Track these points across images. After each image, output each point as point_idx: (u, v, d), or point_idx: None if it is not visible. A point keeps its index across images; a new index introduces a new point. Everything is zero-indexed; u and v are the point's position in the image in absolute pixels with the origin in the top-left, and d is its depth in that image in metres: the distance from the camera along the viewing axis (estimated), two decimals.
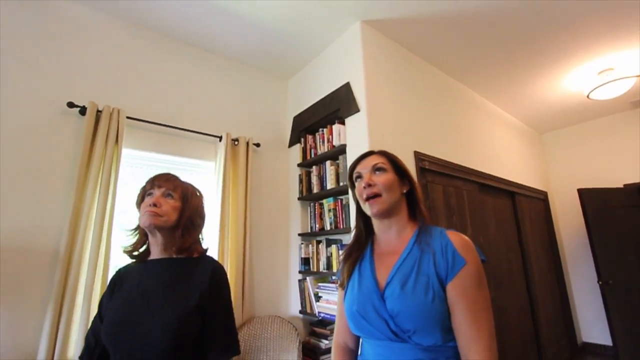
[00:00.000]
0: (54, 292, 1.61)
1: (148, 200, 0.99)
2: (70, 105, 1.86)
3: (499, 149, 3.49)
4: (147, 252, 1.05)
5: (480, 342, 0.75)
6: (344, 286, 0.98)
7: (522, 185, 3.66)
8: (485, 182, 3.02)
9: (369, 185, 0.92)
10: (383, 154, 1.00)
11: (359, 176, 0.98)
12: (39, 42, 1.88)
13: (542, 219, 4.03)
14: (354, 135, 2.13)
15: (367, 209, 0.93)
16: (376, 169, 0.95)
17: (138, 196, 1.05)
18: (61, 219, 1.73)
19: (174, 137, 2.24)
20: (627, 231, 3.47)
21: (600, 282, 3.36)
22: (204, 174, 2.42)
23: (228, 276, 2.11)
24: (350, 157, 2.13)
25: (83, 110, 1.88)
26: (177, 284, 0.96)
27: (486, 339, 0.75)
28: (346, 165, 2.16)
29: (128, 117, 2.01)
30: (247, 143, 2.48)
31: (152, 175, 1.08)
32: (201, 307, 0.93)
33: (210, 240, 2.18)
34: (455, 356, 0.78)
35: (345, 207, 2.16)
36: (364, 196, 0.92)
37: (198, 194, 1.11)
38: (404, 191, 0.96)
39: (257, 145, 2.58)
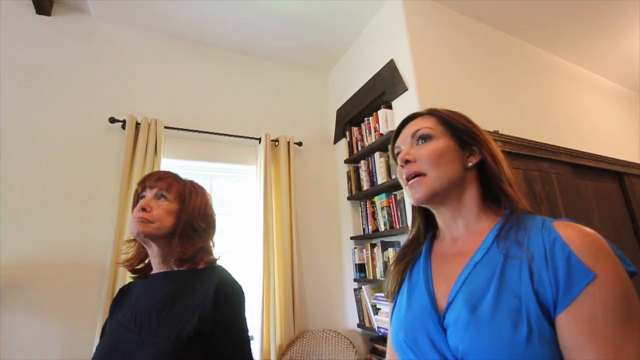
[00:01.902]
0: (102, 306, 1.59)
1: (138, 204, 0.84)
2: (112, 120, 1.88)
3: (595, 120, 2.82)
4: (150, 265, 0.90)
5: None
6: (392, 298, 0.70)
7: (632, 163, 2.90)
8: (580, 163, 2.42)
9: (406, 161, 0.63)
10: (432, 113, 0.68)
11: (400, 152, 0.68)
12: (81, 63, 1.95)
13: None
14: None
15: (409, 194, 0.65)
16: (419, 137, 0.64)
17: (133, 201, 0.91)
18: (107, 233, 1.73)
19: (212, 143, 2.17)
20: None
21: None
22: (246, 179, 2.31)
23: (276, 287, 1.96)
24: None
25: (124, 124, 1.90)
26: (174, 304, 0.78)
27: None
28: None
29: (166, 127, 1.98)
30: (288, 143, 2.31)
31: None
32: (203, 332, 0.74)
33: (255, 250, 2.04)
34: None
35: (400, 203, 1.85)
36: (404, 178, 0.64)
37: (200, 192, 0.92)
38: (471, 164, 0.63)
39: (299, 144, 2.40)
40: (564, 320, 0.46)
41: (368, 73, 2.17)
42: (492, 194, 0.63)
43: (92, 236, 1.74)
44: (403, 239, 1.93)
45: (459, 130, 0.64)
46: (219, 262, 0.95)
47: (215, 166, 2.21)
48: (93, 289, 1.66)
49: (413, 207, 0.73)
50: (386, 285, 0.72)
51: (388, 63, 1.97)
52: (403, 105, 1.83)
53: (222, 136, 2.16)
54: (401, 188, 1.83)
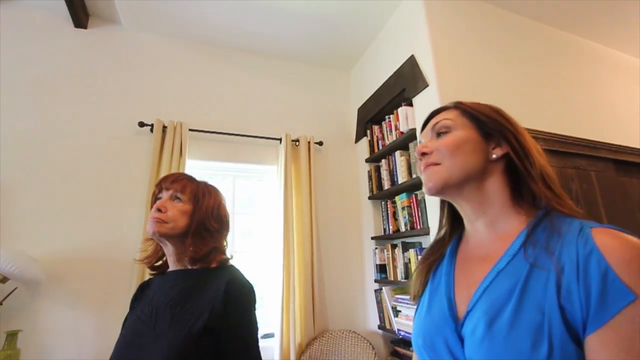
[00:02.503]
0: (130, 300, 1.69)
1: (155, 205, 0.88)
2: (141, 124, 1.99)
3: (632, 109, 2.56)
4: (167, 263, 0.94)
5: None
6: (417, 300, 0.68)
7: None
8: (624, 159, 2.22)
9: (422, 154, 0.61)
10: (457, 106, 0.64)
11: None
12: (113, 71, 2.08)
13: None
14: (424, 116, 1.75)
15: (423, 185, 0.62)
16: (438, 129, 0.62)
17: (150, 202, 0.95)
18: (137, 230, 1.83)
19: (234, 144, 2.23)
20: None
21: None
22: (268, 179, 2.35)
23: (296, 286, 1.98)
24: None
25: (152, 128, 2.00)
26: (187, 301, 0.81)
27: None
28: None
29: (190, 130, 2.06)
30: (309, 143, 2.32)
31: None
32: (212, 329, 0.76)
33: (275, 249, 2.07)
34: None
35: (421, 203, 1.80)
36: (421, 169, 0.62)
37: (213, 193, 0.95)
38: (495, 156, 0.58)
39: (320, 143, 2.41)
40: (593, 343, 0.41)
41: (389, 70, 2.13)
42: (527, 192, 0.57)
43: (124, 234, 1.84)
44: (424, 240, 1.88)
45: (482, 121, 0.60)
46: (232, 262, 0.98)
47: (238, 166, 2.27)
48: (124, 283, 1.77)
49: (440, 205, 0.71)
50: (411, 287, 0.70)
51: (408, 59, 1.92)
52: (423, 102, 1.78)
53: (243, 137, 2.21)
54: (422, 188, 1.77)
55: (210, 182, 1.02)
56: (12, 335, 1.48)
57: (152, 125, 2.00)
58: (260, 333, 2.06)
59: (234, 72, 2.38)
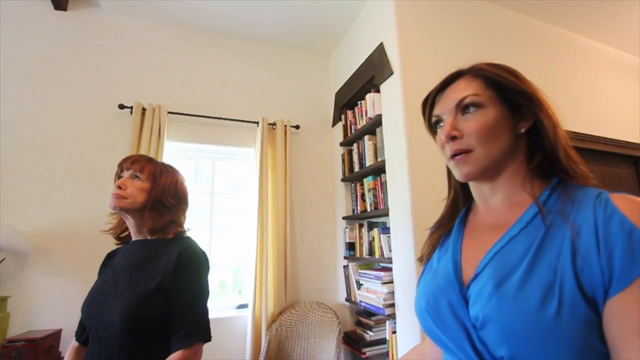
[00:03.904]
0: None
1: (115, 183, 1.00)
2: (121, 106, 2.08)
3: (615, 102, 2.65)
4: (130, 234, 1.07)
5: None
6: (423, 263, 0.69)
7: None
8: (587, 147, 2.33)
9: (452, 138, 0.57)
10: (477, 73, 0.59)
11: (439, 120, 0.62)
12: (93, 54, 2.14)
13: None
14: (389, 103, 1.85)
15: (454, 170, 0.60)
16: (464, 106, 0.57)
17: (114, 180, 1.07)
18: None
19: (214, 127, 2.32)
20: None
21: None
22: (246, 161, 2.45)
23: (269, 261, 2.13)
24: (387, 128, 1.86)
25: (132, 110, 2.08)
26: (144, 265, 0.94)
27: None
28: (383, 139, 1.90)
29: (169, 112, 2.15)
30: (285, 126, 2.41)
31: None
32: (164, 289, 0.89)
33: (249, 226, 2.21)
34: None
35: (384, 186, 1.91)
36: (448, 154, 0.59)
37: (170, 173, 1.07)
38: (523, 129, 0.57)
39: (296, 127, 2.50)
40: (619, 304, 0.40)
41: (362, 56, 2.19)
42: (545, 162, 0.55)
43: (105, 210, 1.95)
44: (387, 220, 2.00)
45: (510, 91, 0.56)
46: (189, 234, 1.10)
47: (217, 148, 2.37)
48: (105, 254, 1.90)
49: (449, 176, 0.70)
50: (422, 249, 0.71)
51: (378, 46, 1.98)
52: (389, 90, 1.86)
53: (222, 120, 2.30)
54: (385, 171, 1.88)
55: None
56: (2, 301, 1.62)
57: (131, 108, 2.08)
58: (236, 303, 2.22)
59: (213, 55, 2.44)
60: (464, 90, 0.58)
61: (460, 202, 0.68)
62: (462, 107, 0.58)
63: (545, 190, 0.53)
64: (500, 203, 0.58)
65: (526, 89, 0.57)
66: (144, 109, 2.09)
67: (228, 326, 2.07)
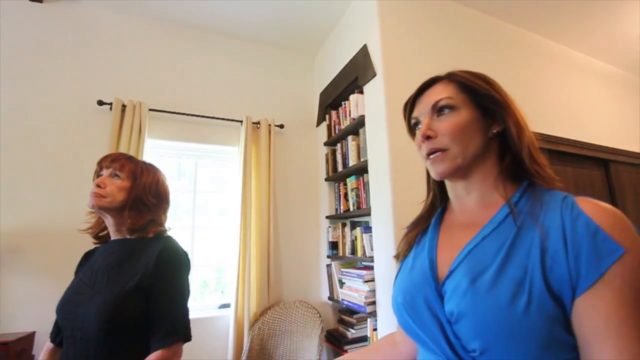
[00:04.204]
0: None
1: (94, 182, 0.98)
2: (100, 103, 2.02)
3: (586, 106, 2.77)
4: (109, 234, 1.05)
5: None
6: (399, 260, 0.72)
7: (620, 150, 2.87)
8: (560, 150, 2.43)
9: (427, 137, 0.60)
10: (452, 78, 0.63)
11: (417, 122, 0.66)
12: (71, 48, 2.07)
13: None
14: (372, 104, 1.88)
15: (430, 169, 0.63)
16: (439, 109, 0.61)
17: (93, 179, 1.05)
18: None
19: (196, 125, 2.29)
20: None
21: None
22: (230, 160, 2.44)
23: (252, 261, 2.12)
24: (370, 129, 1.89)
25: (111, 107, 2.03)
26: (123, 265, 0.93)
27: None
28: (366, 139, 1.93)
29: (150, 110, 2.11)
30: (269, 125, 2.41)
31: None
32: (143, 288, 0.88)
33: (232, 225, 2.20)
34: None
35: (367, 186, 1.94)
36: (424, 153, 0.62)
37: (151, 172, 1.06)
38: (494, 132, 0.60)
39: (281, 126, 2.50)
40: (587, 301, 0.43)
41: (347, 57, 2.21)
42: (515, 164, 0.59)
43: (82, 209, 1.91)
44: (370, 219, 2.03)
45: (481, 96, 0.60)
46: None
47: (200, 147, 2.34)
48: (82, 254, 1.85)
49: (428, 177, 0.72)
50: (398, 247, 0.74)
51: (362, 48, 2.01)
52: (372, 91, 1.89)
53: (205, 118, 2.28)
54: (368, 171, 1.91)
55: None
56: None
57: (111, 104, 2.03)
58: (218, 303, 2.21)
59: (196, 52, 2.41)
60: (439, 93, 0.62)
61: (437, 202, 0.71)
62: (437, 109, 0.61)
63: (516, 192, 0.56)
64: (474, 203, 0.61)
65: (495, 94, 0.60)
66: (124, 106, 2.05)
67: (210, 326, 2.05)
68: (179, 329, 0.90)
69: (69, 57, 2.06)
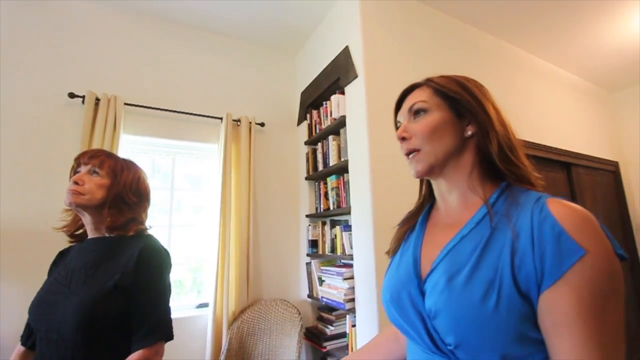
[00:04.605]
0: None
1: (72, 178, 0.95)
2: (72, 95, 1.93)
3: (552, 113, 2.95)
4: (86, 232, 1.02)
5: None
6: (390, 256, 0.75)
7: (581, 154, 3.08)
8: (526, 153, 2.57)
9: (403, 139, 0.65)
10: (428, 84, 0.67)
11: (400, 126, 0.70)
12: (40, 38, 1.97)
13: (611, 194, 3.37)
14: (353, 105, 1.91)
15: (410, 168, 0.67)
16: (415, 112, 0.65)
17: (69, 176, 1.01)
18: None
19: (175, 121, 2.24)
20: None
21: None
22: (209, 157, 2.40)
23: (231, 259, 2.11)
24: (350, 129, 1.93)
25: (84, 100, 1.95)
26: (101, 264, 0.91)
27: None
28: (347, 139, 1.96)
29: (126, 104, 2.04)
30: (250, 123, 2.39)
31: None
32: (123, 287, 0.87)
33: (210, 224, 2.17)
34: None
35: (347, 185, 1.98)
36: (403, 153, 0.67)
37: (132, 169, 1.03)
38: (470, 132, 0.62)
39: (261, 124, 2.49)
40: (549, 298, 0.46)
41: (328, 57, 2.23)
42: (491, 164, 0.61)
43: (52, 207, 1.82)
44: (349, 218, 2.07)
45: (452, 99, 0.63)
46: (150, 232, 1.07)
47: (178, 144, 2.29)
48: (52, 254, 1.77)
49: (420, 181, 0.76)
50: (390, 244, 0.76)
51: (344, 49, 2.04)
52: (353, 92, 1.92)
53: (184, 114, 2.23)
54: (348, 171, 1.95)
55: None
56: None
57: (83, 97, 1.95)
58: (195, 303, 2.17)
59: (175, 46, 2.35)
60: (415, 98, 0.67)
61: (426, 201, 0.74)
62: (413, 113, 0.66)
63: (494, 193, 0.59)
64: (456, 202, 0.64)
65: (465, 97, 0.63)
66: (97, 99, 1.97)
67: (187, 326, 2.02)
68: (161, 328, 0.89)
69: (38, 47, 1.95)
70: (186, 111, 2.23)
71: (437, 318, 0.53)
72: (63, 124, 1.93)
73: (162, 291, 0.94)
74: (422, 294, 0.57)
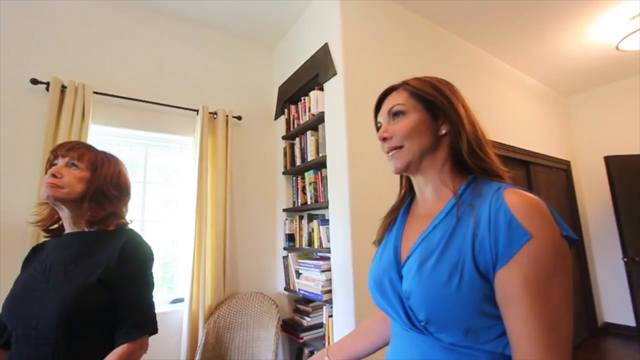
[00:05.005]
0: None
1: (49, 171, 0.91)
2: (34, 81, 1.81)
3: (513, 114, 3.16)
4: (63, 226, 0.99)
5: (546, 352, 0.49)
6: (377, 245, 0.81)
7: (538, 154, 3.33)
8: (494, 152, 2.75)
9: (384, 139, 0.71)
10: (405, 87, 0.72)
11: (381, 126, 0.76)
12: None
13: (562, 191, 3.68)
14: (332, 102, 1.95)
15: (390, 165, 0.72)
16: (394, 113, 0.71)
17: (45, 168, 0.97)
18: (29, 197, 1.72)
19: (149, 112, 2.16)
20: None
21: (625, 259, 3.05)
22: (184, 150, 2.35)
23: (207, 253, 2.09)
24: (329, 125, 1.97)
25: (48, 87, 1.83)
26: (82, 259, 0.89)
27: (557, 349, 0.49)
28: (325, 135, 2.00)
29: (95, 92, 1.94)
30: (227, 116, 2.36)
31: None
32: (106, 282, 0.86)
33: (187, 217, 2.14)
34: None
35: (325, 180, 2.02)
36: (384, 151, 0.72)
37: (112, 162, 1.01)
38: (444, 131, 0.68)
39: (239, 118, 2.47)
40: (501, 276, 0.53)
41: (307, 53, 2.25)
42: (460, 159, 0.67)
43: (14, 200, 1.72)
44: (326, 212, 2.12)
45: (426, 101, 0.69)
46: (131, 226, 1.06)
47: (151, 135, 2.21)
48: (16, 250, 1.67)
49: (400, 177, 0.82)
50: (377, 235, 0.83)
51: (323, 46, 2.06)
52: (332, 89, 1.96)
53: (157, 105, 2.16)
54: (326, 166, 1.99)
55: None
56: None
57: (47, 84, 1.83)
58: (169, 298, 2.14)
59: (150, 34, 2.26)
60: (393, 101, 0.72)
61: (406, 195, 0.81)
62: (392, 114, 0.72)
63: (463, 185, 0.65)
64: (432, 195, 0.70)
65: (438, 99, 0.69)
66: (64, 87, 1.86)
67: (162, 322, 1.96)
68: (146, 322, 0.89)
69: None
70: (160, 102, 2.16)
71: (411, 298, 0.60)
72: (25, 113, 1.81)
73: (146, 285, 0.94)
74: (401, 278, 0.64)
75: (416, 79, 0.73)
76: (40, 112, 1.83)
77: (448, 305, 0.55)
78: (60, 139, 1.78)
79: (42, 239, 1.63)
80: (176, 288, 2.20)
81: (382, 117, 0.74)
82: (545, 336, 0.49)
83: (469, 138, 0.66)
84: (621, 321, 3.57)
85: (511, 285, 0.51)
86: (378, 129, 0.78)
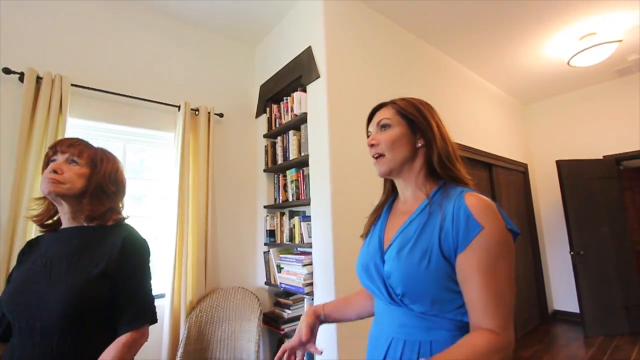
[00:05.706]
0: (0, 262, 1.57)
1: (49, 167, 0.93)
2: (7, 71, 1.75)
3: (477, 119, 3.41)
4: (60, 221, 1.00)
5: (494, 318, 0.64)
6: (364, 238, 0.95)
7: (500, 157, 3.62)
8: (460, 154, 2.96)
9: (372, 145, 0.86)
10: (393, 104, 0.87)
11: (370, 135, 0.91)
12: None
13: (520, 191, 4.02)
14: (315, 103, 2.04)
15: (375, 168, 0.87)
16: (381, 125, 0.86)
17: (43, 164, 0.98)
18: (3, 192, 1.66)
19: (129, 107, 2.13)
20: (602, 203, 3.47)
21: (572, 253, 3.40)
22: (165, 146, 2.34)
23: (189, 249, 2.11)
24: (311, 126, 2.05)
25: (22, 77, 1.77)
26: (83, 252, 0.92)
27: (502, 315, 0.64)
28: (307, 135, 2.09)
29: (73, 85, 1.90)
30: (209, 113, 2.38)
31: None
32: (108, 274, 0.89)
33: (170, 214, 2.14)
34: (456, 329, 0.70)
35: (307, 178, 2.11)
36: (371, 156, 0.87)
37: (111, 159, 1.04)
38: (420, 144, 0.82)
39: (220, 115, 2.49)
40: (460, 259, 0.68)
41: (290, 54, 2.31)
42: (433, 168, 0.82)
43: None
44: (307, 209, 2.21)
45: (410, 120, 0.84)
46: (127, 222, 1.09)
47: (131, 130, 2.19)
48: None
49: (384, 180, 0.96)
50: (364, 229, 0.96)
51: (306, 49, 2.14)
52: (316, 90, 2.04)
53: (138, 100, 2.14)
54: (308, 165, 2.08)
55: (97, 144, 1.09)
56: None
57: (21, 74, 1.77)
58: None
59: (131, 27, 2.22)
60: (382, 115, 0.87)
61: (389, 195, 0.96)
62: (381, 126, 0.86)
63: (435, 189, 0.81)
64: (410, 196, 0.86)
65: (418, 118, 0.83)
66: (39, 78, 1.80)
67: None
68: (147, 312, 0.94)
69: None
70: (141, 97, 2.14)
71: (391, 277, 0.74)
72: None
73: (146, 277, 0.98)
74: (384, 262, 0.79)
75: (402, 99, 0.88)
76: (11, 104, 1.77)
77: (419, 281, 0.70)
78: (36, 132, 1.73)
79: (17, 235, 1.61)
80: (156, 284, 2.19)
81: (373, 127, 0.89)
82: (494, 304, 0.64)
83: (440, 152, 0.80)
84: (568, 308, 3.97)
85: (468, 266, 0.67)
86: (368, 136, 0.92)
